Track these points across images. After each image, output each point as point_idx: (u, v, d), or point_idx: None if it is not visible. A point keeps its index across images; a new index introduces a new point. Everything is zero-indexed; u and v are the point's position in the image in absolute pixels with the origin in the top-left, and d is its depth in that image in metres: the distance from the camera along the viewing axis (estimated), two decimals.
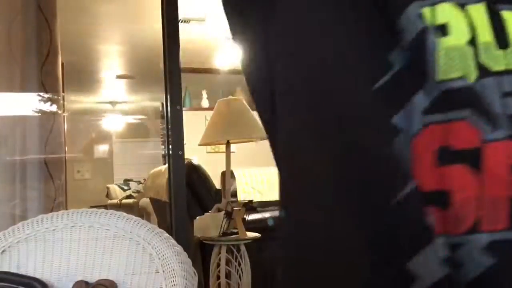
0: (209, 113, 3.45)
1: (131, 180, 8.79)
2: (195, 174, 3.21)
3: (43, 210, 1.78)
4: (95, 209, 1.41)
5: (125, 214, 1.41)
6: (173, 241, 1.35)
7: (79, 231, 1.37)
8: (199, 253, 3.02)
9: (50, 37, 1.83)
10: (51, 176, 1.80)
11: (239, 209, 2.77)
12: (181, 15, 4.10)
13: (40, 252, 1.34)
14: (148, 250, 1.32)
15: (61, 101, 1.95)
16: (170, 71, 1.73)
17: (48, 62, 1.83)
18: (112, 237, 1.36)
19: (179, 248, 1.34)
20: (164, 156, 1.77)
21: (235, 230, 2.76)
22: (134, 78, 6.41)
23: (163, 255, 1.30)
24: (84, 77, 6.22)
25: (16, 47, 1.80)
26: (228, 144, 3.21)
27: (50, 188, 1.80)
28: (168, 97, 1.72)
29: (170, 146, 1.71)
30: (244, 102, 3.33)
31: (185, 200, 1.71)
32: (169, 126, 1.72)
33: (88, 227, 1.37)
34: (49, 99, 1.95)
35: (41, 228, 1.36)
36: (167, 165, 1.73)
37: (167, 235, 1.36)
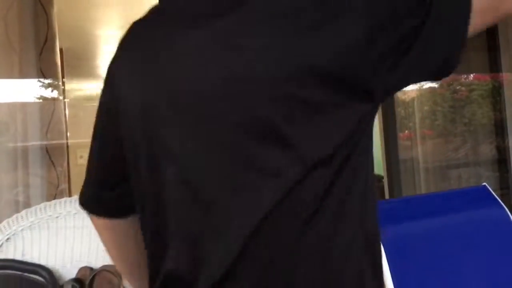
0: None
1: None
2: None
3: (46, 197, 1.79)
4: None
5: None
6: None
7: (83, 218, 1.37)
8: None
9: (47, 23, 1.82)
10: (52, 163, 1.80)
11: None
12: None
13: (44, 239, 1.35)
14: None
15: (61, 87, 1.94)
16: None
17: (46, 49, 1.82)
18: None
19: None
20: None
21: None
22: None
23: None
24: (84, 63, 6.19)
25: (14, 35, 1.79)
26: None
27: (52, 175, 1.81)
28: None
29: None
30: None
31: None
32: None
33: None
34: (49, 85, 1.95)
35: (44, 216, 1.37)
36: None
37: None
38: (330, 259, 0.58)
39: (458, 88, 3.12)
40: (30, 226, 1.37)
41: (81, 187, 0.86)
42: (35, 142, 1.86)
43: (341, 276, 0.59)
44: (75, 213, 1.38)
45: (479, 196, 1.30)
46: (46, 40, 1.78)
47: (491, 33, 2.85)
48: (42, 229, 1.37)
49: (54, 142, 1.95)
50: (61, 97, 2.07)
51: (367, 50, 0.56)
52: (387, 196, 2.48)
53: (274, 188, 0.56)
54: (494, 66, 2.92)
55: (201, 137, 0.60)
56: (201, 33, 0.61)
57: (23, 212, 1.37)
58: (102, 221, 0.83)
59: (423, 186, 2.75)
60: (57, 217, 1.37)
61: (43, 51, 1.79)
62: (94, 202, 0.82)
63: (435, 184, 2.80)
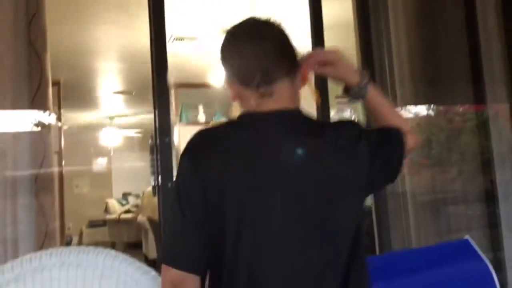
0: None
1: (129, 194, 8.79)
2: None
3: (34, 244, 1.78)
4: (83, 247, 1.42)
5: (112, 251, 1.42)
6: (160, 279, 1.36)
7: (68, 271, 1.37)
8: None
9: (41, 69, 1.85)
10: (42, 210, 1.81)
11: None
12: (174, 33, 4.14)
13: None
14: None
15: (53, 118, 1.96)
16: (158, 104, 1.74)
17: (38, 95, 1.85)
18: (100, 276, 1.36)
19: None
20: (153, 187, 1.77)
21: None
22: (131, 93, 6.44)
23: None
24: (81, 93, 6.25)
25: (7, 80, 1.82)
26: None
27: (40, 222, 1.81)
28: (157, 129, 1.73)
29: (160, 178, 1.72)
30: None
31: None
32: (158, 158, 1.74)
33: (76, 266, 1.38)
34: (39, 127, 1.97)
35: (30, 268, 1.37)
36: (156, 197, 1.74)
37: (155, 273, 1.37)
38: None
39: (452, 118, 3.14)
40: (15, 278, 1.36)
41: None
42: (24, 173, 1.86)
43: None
44: (61, 265, 1.38)
45: (462, 250, 1.31)
46: (39, 87, 1.81)
47: (475, 67, 2.90)
48: (28, 281, 1.36)
49: (46, 173, 1.94)
50: (50, 129, 2.06)
51: (369, 176, 1.05)
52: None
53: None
54: (479, 98, 2.95)
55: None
56: (296, 148, 0.99)
57: (9, 264, 1.37)
58: (179, 275, 0.98)
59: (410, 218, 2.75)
60: (42, 269, 1.37)
61: (35, 97, 1.81)
62: (181, 257, 0.98)
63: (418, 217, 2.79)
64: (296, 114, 1.06)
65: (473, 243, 1.33)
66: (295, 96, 1.07)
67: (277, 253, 0.96)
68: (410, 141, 1.13)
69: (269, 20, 1.09)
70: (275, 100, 1.03)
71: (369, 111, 1.19)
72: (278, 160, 0.97)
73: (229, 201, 0.96)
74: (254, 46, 1.03)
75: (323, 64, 1.14)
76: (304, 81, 1.11)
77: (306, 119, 1.06)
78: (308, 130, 1.04)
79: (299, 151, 0.98)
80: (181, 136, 5.83)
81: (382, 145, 1.08)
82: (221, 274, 0.98)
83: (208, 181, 0.97)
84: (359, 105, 2.78)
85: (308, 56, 1.14)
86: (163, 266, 1.01)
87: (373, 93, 1.16)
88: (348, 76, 1.15)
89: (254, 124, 1.03)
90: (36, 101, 1.87)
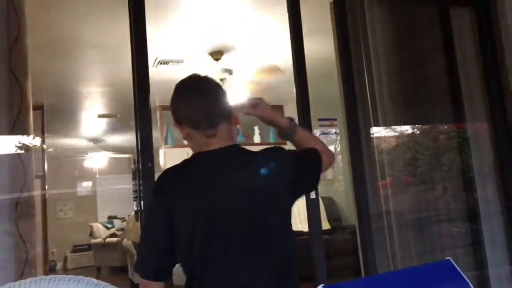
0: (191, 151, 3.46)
1: (115, 217, 8.67)
2: None
3: (14, 272, 1.75)
4: (63, 276, 1.39)
5: (94, 280, 1.40)
6: None
7: None
8: None
9: (21, 96, 1.85)
10: (21, 237, 1.77)
11: None
12: (160, 57, 4.17)
13: None
14: None
15: (32, 157, 1.94)
16: (141, 129, 1.74)
17: (19, 121, 1.83)
18: None
19: None
20: (136, 212, 1.76)
21: None
22: (115, 116, 6.42)
23: None
24: (65, 117, 6.21)
25: None
26: None
27: (20, 249, 1.78)
28: (139, 154, 1.73)
29: (142, 203, 1.71)
30: None
31: None
32: (141, 183, 1.73)
33: None
34: (19, 154, 1.95)
35: None
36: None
37: None
38: None
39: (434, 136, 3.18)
40: None
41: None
42: (4, 198, 1.83)
43: None
44: None
45: (443, 271, 1.32)
46: (19, 113, 1.80)
47: (454, 86, 2.96)
48: None
49: (27, 198, 1.91)
50: (31, 154, 2.04)
51: (291, 185, 1.38)
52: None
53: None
54: (458, 117, 3.00)
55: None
56: (231, 179, 1.32)
57: None
58: (153, 285, 1.31)
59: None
60: None
61: (16, 123, 1.80)
62: (151, 271, 1.31)
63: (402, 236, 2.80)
64: (234, 149, 1.39)
65: (454, 264, 1.34)
66: (232, 135, 1.42)
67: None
68: (326, 159, 1.48)
69: (208, 77, 1.42)
70: (219, 139, 1.36)
71: (297, 143, 1.53)
72: (224, 184, 1.32)
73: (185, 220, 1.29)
74: (200, 99, 1.35)
75: (253, 108, 1.49)
76: (236, 122, 1.51)
77: (242, 151, 1.41)
78: (244, 160, 1.39)
79: (238, 176, 1.33)
80: (167, 158, 5.81)
81: (303, 162, 1.44)
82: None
83: (171, 205, 1.30)
84: (340, 124, 2.81)
85: (239, 105, 1.50)
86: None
87: (300, 131, 1.53)
88: (277, 119, 1.51)
89: (205, 160, 1.36)
90: (17, 127, 1.86)
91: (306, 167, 1.44)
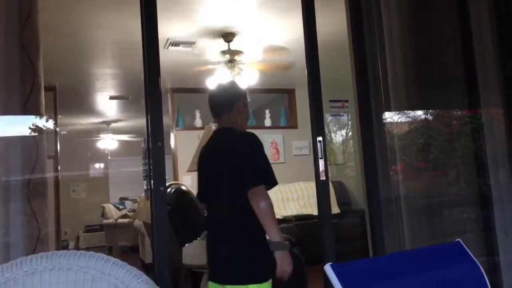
0: (202, 132, 3.46)
1: (126, 198, 8.77)
2: (185, 200, 3.22)
3: (26, 249, 1.77)
4: (74, 251, 1.41)
5: (104, 255, 1.42)
6: (151, 283, 1.36)
7: (58, 274, 1.37)
8: (190, 280, 3.01)
9: (33, 74, 1.85)
10: (34, 214, 1.80)
11: None
12: (171, 38, 4.15)
13: None
14: None
15: (48, 123, 1.95)
16: (151, 107, 1.74)
17: (31, 100, 1.84)
18: (91, 280, 1.36)
19: None
20: (146, 190, 1.79)
21: None
22: (127, 98, 6.43)
23: None
24: (77, 99, 6.25)
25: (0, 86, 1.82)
26: None
27: (33, 227, 1.80)
28: (150, 133, 1.73)
29: (152, 182, 1.72)
30: None
31: (167, 234, 1.71)
32: (151, 162, 1.73)
33: (67, 269, 1.37)
34: (32, 132, 1.96)
35: (20, 272, 1.36)
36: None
37: (146, 277, 1.37)
38: None
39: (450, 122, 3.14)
40: (5, 282, 1.36)
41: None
42: (16, 177, 1.85)
43: None
44: (51, 269, 1.37)
45: (453, 252, 1.31)
46: (31, 92, 1.81)
47: (470, 73, 2.91)
48: (17, 285, 1.36)
49: (39, 177, 1.93)
50: (43, 134, 2.06)
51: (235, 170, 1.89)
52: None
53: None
54: (473, 104, 2.96)
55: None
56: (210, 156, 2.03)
57: None
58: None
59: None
60: (33, 273, 1.37)
61: (27, 102, 1.81)
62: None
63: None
64: (224, 130, 1.99)
65: (464, 245, 1.33)
66: (230, 121, 1.98)
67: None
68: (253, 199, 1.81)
69: (226, 82, 2.12)
70: (219, 124, 2.03)
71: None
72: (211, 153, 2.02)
73: None
74: (210, 99, 2.05)
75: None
76: (240, 111, 2.02)
77: (228, 132, 1.96)
78: (223, 139, 1.97)
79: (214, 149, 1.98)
80: (178, 140, 5.82)
81: (242, 168, 1.83)
82: None
83: None
84: (352, 109, 2.79)
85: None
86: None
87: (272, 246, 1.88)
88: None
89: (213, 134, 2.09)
90: (29, 106, 1.87)
91: (240, 171, 1.82)
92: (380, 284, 1.18)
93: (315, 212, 2.72)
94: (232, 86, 2.07)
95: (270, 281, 1.80)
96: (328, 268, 1.12)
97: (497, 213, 2.81)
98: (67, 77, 5.11)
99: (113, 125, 8.08)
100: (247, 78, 4.48)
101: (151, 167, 1.72)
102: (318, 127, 2.18)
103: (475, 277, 1.28)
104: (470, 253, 1.32)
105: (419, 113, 3.06)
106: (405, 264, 1.26)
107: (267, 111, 6.33)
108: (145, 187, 1.75)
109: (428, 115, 3.11)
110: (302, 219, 5.23)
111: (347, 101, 3.22)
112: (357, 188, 6.00)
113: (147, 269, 4.81)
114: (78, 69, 5.01)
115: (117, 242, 7.37)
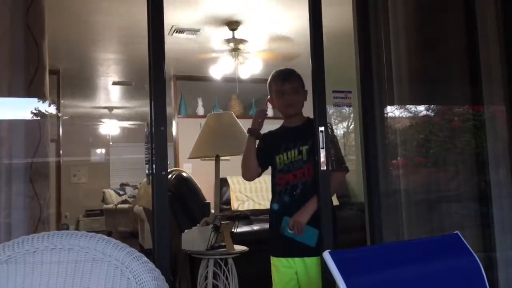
0: (204, 121, 3.47)
1: (127, 184, 8.80)
2: (185, 186, 3.23)
3: (28, 230, 1.79)
4: (75, 231, 1.43)
5: (105, 236, 1.43)
6: (151, 265, 1.37)
7: (59, 254, 1.38)
8: (188, 265, 3.04)
9: (38, 55, 1.85)
10: (36, 195, 1.81)
11: (227, 223, 2.79)
12: (176, 25, 4.13)
13: (20, 274, 1.35)
14: (126, 274, 1.34)
15: (50, 107, 1.96)
16: (154, 92, 1.75)
17: (35, 81, 1.85)
18: (91, 260, 1.38)
19: (157, 272, 1.36)
20: (148, 175, 1.79)
21: (224, 244, 2.78)
22: (130, 84, 6.43)
23: (140, 280, 1.32)
24: (81, 83, 6.25)
25: (4, 65, 1.82)
26: (217, 158, 3.22)
27: (34, 208, 1.82)
28: (153, 117, 1.74)
29: (154, 166, 1.73)
30: (234, 116, 3.35)
31: (167, 218, 1.73)
32: (153, 146, 1.74)
33: (68, 249, 1.39)
34: (35, 114, 1.97)
35: (21, 250, 1.38)
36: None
37: (146, 259, 1.38)
38: None
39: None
40: (6, 260, 1.37)
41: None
42: (19, 159, 1.86)
43: None
44: (52, 249, 1.39)
45: (452, 244, 1.32)
46: (36, 73, 1.81)
47: (473, 68, 2.90)
48: (19, 263, 1.38)
49: (41, 161, 1.95)
50: (47, 117, 2.06)
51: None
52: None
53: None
54: (476, 99, 2.94)
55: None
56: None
57: (0, 246, 1.38)
58: None
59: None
60: (34, 252, 1.38)
61: (32, 83, 1.82)
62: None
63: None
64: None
65: (462, 238, 1.34)
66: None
67: None
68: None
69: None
70: None
71: None
72: None
73: None
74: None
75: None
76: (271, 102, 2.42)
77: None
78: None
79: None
80: (179, 128, 5.83)
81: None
82: None
83: None
84: (355, 102, 2.78)
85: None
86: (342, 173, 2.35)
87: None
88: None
89: None
90: (33, 88, 1.87)
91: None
92: (378, 272, 1.19)
93: None
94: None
95: None
96: (326, 255, 1.13)
97: (496, 210, 2.82)
98: (71, 61, 5.10)
99: (116, 111, 8.08)
100: (251, 67, 4.47)
101: (153, 151, 1.73)
102: (320, 117, 2.17)
103: (472, 269, 1.30)
104: (468, 246, 1.33)
105: (421, 107, 3.05)
106: (404, 253, 1.27)
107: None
108: (147, 172, 1.76)
109: (429, 110, 3.11)
110: None
111: (350, 92, 3.21)
112: (357, 181, 6.00)
113: (146, 254, 4.85)
114: (82, 54, 5.00)
115: (116, 227, 7.42)
